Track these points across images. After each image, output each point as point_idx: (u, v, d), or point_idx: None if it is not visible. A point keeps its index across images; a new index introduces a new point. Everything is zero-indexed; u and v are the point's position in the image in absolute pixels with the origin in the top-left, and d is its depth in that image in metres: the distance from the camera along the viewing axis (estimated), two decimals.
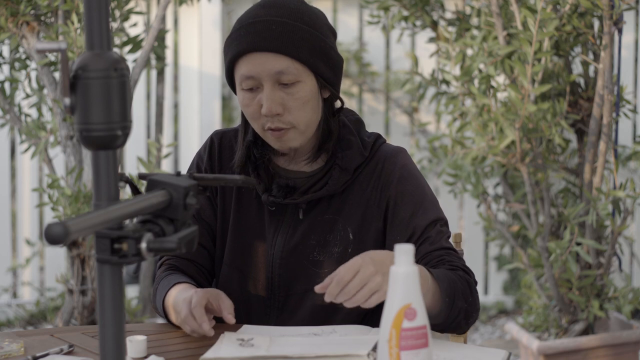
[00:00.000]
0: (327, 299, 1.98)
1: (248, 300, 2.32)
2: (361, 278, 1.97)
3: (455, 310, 2.14)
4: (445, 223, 2.29)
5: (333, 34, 2.28)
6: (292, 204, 2.28)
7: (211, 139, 2.38)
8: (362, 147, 2.29)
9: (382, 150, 2.31)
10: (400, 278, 1.74)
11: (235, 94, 2.29)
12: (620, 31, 3.67)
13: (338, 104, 2.31)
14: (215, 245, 2.36)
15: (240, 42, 2.20)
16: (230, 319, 2.13)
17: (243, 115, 2.30)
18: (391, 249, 2.23)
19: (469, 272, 2.22)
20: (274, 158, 2.32)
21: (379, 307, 2.35)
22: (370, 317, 2.30)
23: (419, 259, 2.23)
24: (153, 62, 4.44)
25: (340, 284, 1.97)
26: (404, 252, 1.74)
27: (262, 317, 2.30)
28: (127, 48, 3.77)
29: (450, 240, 2.34)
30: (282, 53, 2.18)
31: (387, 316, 1.74)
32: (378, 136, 2.34)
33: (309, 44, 2.20)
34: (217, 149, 2.36)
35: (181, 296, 2.20)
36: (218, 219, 2.35)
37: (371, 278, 1.98)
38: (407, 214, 2.25)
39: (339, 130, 2.30)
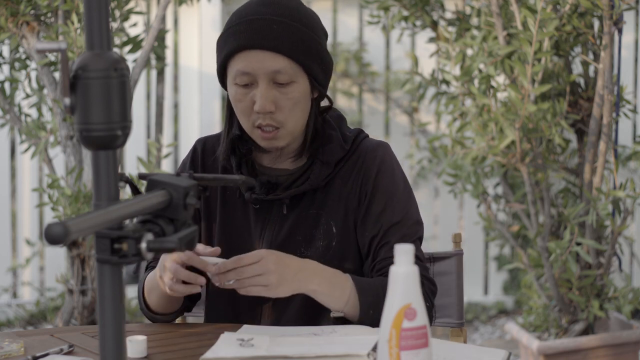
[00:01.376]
0: (217, 270, 2.10)
1: (238, 300, 2.32)
2: (260, 266, 2.09)
3: (372, 319, 2.18)
4: (414, 223, 2.30)
5: (325, 35, 2.31)
6: (277, 202, 2.30)
7: (194, 147, 2.40)
8: (342, 141, 2.31)
9: (364, 144, 2.33)
10: (400, 278, 1.74)
11: (225, 87, 2.30)
12: (620, 31, 3.67)
13: (324, 103, 2.34)
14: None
15: (240, 38, 2.21)
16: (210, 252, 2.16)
17: (228, 109, 2.32)
18: (361, 242, 2.29)
19: (421, 282, 2.20)
20: (257, 156, 2.34)
21: None
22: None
23: (375, 263, 2.26)
24: (153, 62, 4.44)
25: (238, 262, 2.09)
26: (404, 252, 1.74)
27: (252, 316, 2.31)
28: (127, 48, 3.77)
29: (450, 239, 2.34)
30: (281, 53, 2.20)
31: (387, 316, 1.74)
32: (360, 131, 2.36)
33: (306, 45, 2.22)
34: (200, 155, 2.38)
35: (152, 276, 2.26)
36: (203, 223, 2.36)
37: (268, 273, 2.09)
38: (378, 209, 2.27)
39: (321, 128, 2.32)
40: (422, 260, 2.30)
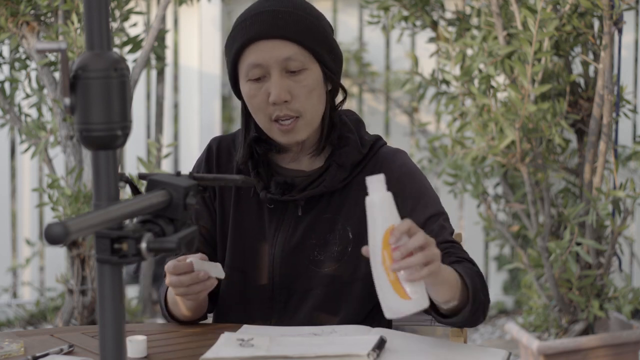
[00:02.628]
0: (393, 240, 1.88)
1: (250, 302, 2.32)
2: (420, 242, 1.88)
3: (478, 304, 2.10)
4: (446, 218, 2.27)
5: (331, 28, 2.32)
6: (292, 203, 2.28)
7: (209, 146, 2.39)
8: (359, 145, 2.30)
9: (381, 151, 2.32)
10: (377, 205, 1.86)
11: (236, 94, 2.30)
12: (620, 31, 3.67)
13: (339, 99, 2.33)
14: (216, 250, 2.36)
15: (248, 31, 2.22)
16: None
17: (244, 114, 2.31)
18: None
19: (475, 264, 2.19)
20: (275, 156, 2.33)
21: (380, 310, 2.35)
22: (372, 317, 2.30)
23: None
24: (153, 62, 4.44)
25: (406, 229, 1.88)
26: (376, 180, 1.85)
27: (264, 318, 2.30)
28: (127, 48, 3.77)
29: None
30: (290, 40, 2.21)
31: (375, 242, 1.85)
32: (379, 138, 2.35)
33: (315, 33, 2.23)
34: (215, 153, 2.37)
35: None
36: (217, 222, 2.35)
37: (430, 247, 1.89)
38: (406, 210, 2.22)
39: (339, 128, 2.31)
40: (460, 245, 2.23)
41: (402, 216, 2.23)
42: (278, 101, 2.20)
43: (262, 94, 2.22)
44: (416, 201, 2.25)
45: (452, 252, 2.19)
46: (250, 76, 2.23)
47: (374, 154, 2.31)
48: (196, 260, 2.10)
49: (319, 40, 2.24)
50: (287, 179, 2.29)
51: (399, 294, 1.87)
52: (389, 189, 2.26)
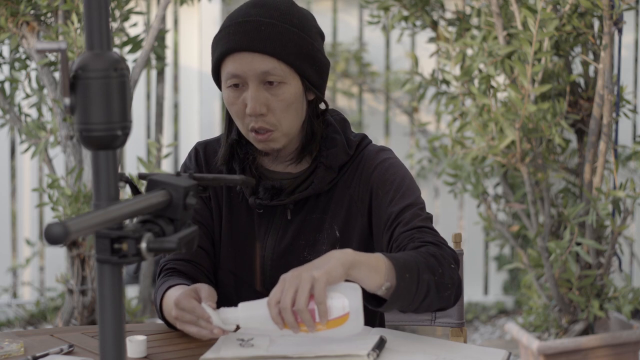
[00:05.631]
0: (283, 327, 1.95)
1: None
2: (289, 283, 1.92)
3: (423, 285, 2.06)
4: (422, 208, 2.26)
5: (321, 36, 2.30)
6: (281, 207, 2.29)
7: (195, 150, 2.39)
8: (346, 146, 2.30)
9: (367, 150, 2.32)
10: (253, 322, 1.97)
11: (221, 90, 2.31)
12: (620, 31, 3.67)
13: (323, 106, 2.33)
14: (214, 246, 2.36)
15: (229, 41, 2.21)
16: (210, 306, 2.06)
17: (227, 113, 2.31)
18: (377, 238, 2.26)
19: (440, 245, 2.16)
20: (259, 159, 2.33)
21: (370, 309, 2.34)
22: (365, 314, 2.31)
23: (392, 242, 2.21)
24: (153, 62, 4.44)
25: (272, 304, 1.93)
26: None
27: None
28: (127, 48, 3.77)
29: (450, 239, 2.33)
30: (269, 54, 2.19)
31: (277, 330, 1.95)
32: (364, 137, 2.35)
33: (297, 46, 2.21)
34: (202, 158, 2.37)
35: (171, 298, 2.17)
36: (216, 225, 2.35)
37: (299, 278, 1.92)
38: (386, 201, 2.25)
39: (324, 129, 2.31)
40: (431, 229, 2.23)
41: (382, 206, 2.25)
42: (253, 114, 2.20)
43: (240, 103, 2.22)
44: (395, 193, 2.26)
45: (416, 237, 2.19)
46: (229, 83, 2.23)
47: (359, 153, 2.32)
48: (214, 314, 2.03)
49: (300, 54, 2.22)
50: (275, 182, 2.29)
51: (337, 324, 1.95)
52: (369, 182, 2.27)
